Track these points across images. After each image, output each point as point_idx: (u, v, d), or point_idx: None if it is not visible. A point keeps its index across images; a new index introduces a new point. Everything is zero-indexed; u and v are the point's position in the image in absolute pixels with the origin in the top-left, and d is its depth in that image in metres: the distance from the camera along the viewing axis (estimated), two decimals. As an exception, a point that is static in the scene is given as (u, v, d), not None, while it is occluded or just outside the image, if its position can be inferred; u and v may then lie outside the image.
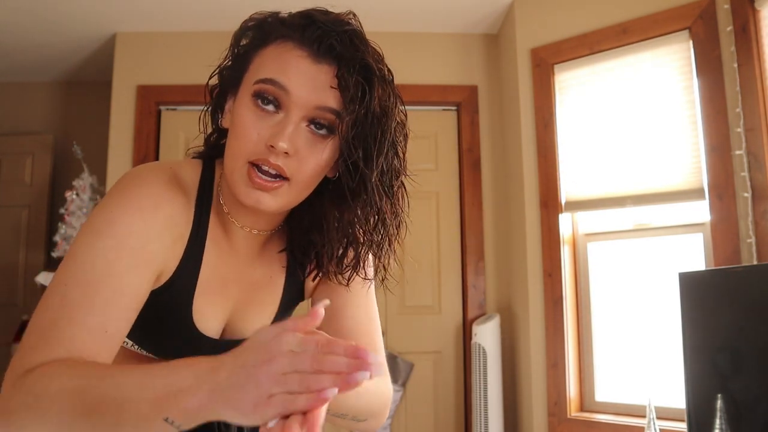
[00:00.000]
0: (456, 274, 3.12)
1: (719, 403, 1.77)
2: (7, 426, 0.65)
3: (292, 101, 0.78)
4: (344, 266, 0.90)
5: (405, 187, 0.88)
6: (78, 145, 3.20)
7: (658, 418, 2.04)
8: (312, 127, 0.80)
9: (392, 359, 3.02)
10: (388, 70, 0.86)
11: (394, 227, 0.88)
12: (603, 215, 2.64)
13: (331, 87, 0.79)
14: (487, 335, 2.83)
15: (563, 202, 2.67)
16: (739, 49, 2.19)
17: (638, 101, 2.49)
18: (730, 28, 2.23)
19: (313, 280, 0.97)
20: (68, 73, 3.64)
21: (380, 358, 0.59)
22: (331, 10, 0.87)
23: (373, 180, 0.81)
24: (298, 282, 0.97)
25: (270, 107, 0.79)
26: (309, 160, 0.79)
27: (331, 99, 0.79)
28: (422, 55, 3.20)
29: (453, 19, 3.09)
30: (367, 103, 0.79)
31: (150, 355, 0.91)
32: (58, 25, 3.08)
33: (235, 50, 0.89)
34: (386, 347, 3.02)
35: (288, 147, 0.77)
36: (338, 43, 0.80)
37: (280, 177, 0.79)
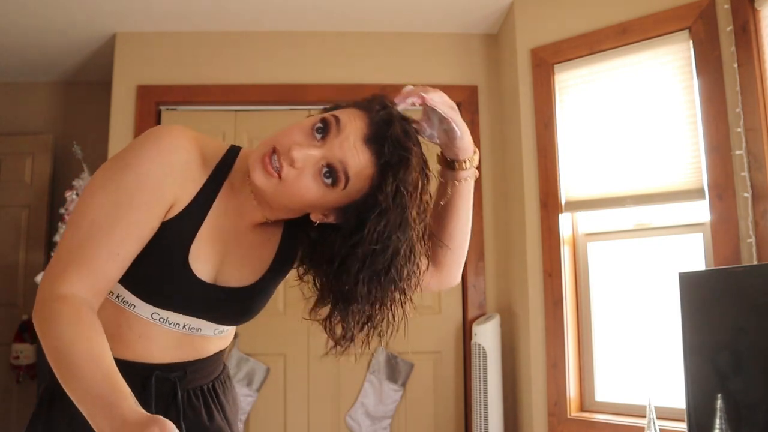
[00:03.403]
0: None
1: (719, 403, 1.77)
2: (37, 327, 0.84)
3: (331, 142, 0.90)
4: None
5: (402, 301, 0.97)
6: (78, 145, 3.20)
7: (658, 418, 2.04)
8: (324, 170, 0.90)
9: (392, 359, 3.03)
10: (418, 204, 0.94)
11: (380, 317, 0.98)
12: (603, 215, 2.64)
13: (360, 170, 0.90)
14: (487, 335, 2.83)
15: (563, 202, 2.67)
16: (739, 49, 2.19)
17: (638, 101, 2.49)
18: (730, 28, 2.23)
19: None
20: (68, 73, 3.64)
21: None
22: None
23: (357, 270, 0.92)
24: (289, 255, 1.08)
25: (318, 136, 0.90)
26: (299, 184, 0.90)
27: (354, 167, 0.90)
28: (422, 55, 3.20)
29: (453, 19, 3.09)
30: (375, 200, 0.91)
31: (137, 310, 0.97)
32: (58, 25, 3.08)
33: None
34: (386, 347, 3.03)
35: (295, 160, 0.89)
36: (393, 155, 0.90)
37: (278, 173, 0.90)
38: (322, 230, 0.99)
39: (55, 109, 3.74)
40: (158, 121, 3.18)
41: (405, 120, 0.94)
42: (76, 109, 3.71)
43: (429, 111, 0.98)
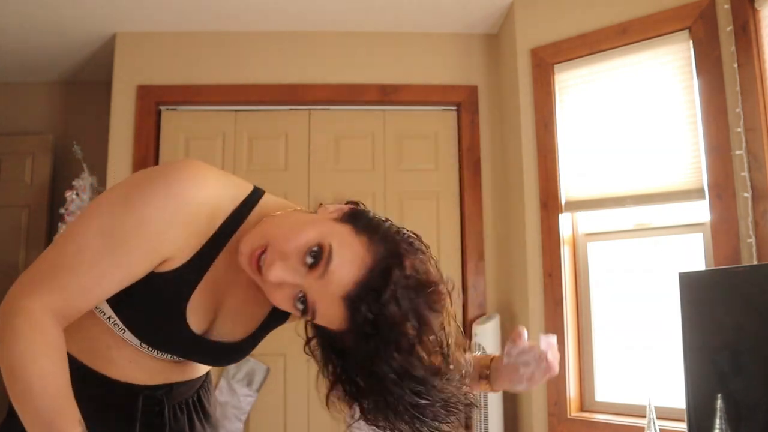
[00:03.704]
0: (456, 274, 3.11)
1: (719, 403, 1.77)
2: None
3: (313, 278, 0.82)
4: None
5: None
6: (78, 145, 3.20)
7: (658, 418, 2.04)
8: (300, 296, 0.84)
9: (392, 359, 3.02)
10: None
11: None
12: (603, 215, 2.64)
13: (329, 319, 0.84)
14: (487, 335, 2.83)
15: (563, 202, 2.67)
16: (739, 49, 2.19)
17: (638, 101, 2.49)
18: (730, 28, 2.23)
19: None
20: (68, 73, 3.64)
21: None
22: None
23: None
24: (283, 314, 1.04)
25: (308, 260, 0.83)
26: (275, 297, 0.87)
27: (322, 315, 0.84)
28: (422, 55, 3.20)
29: (453, 19, 3.09)
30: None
31: (126, 335, 0.95)
32: (58, 26, 3.08)
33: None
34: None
35: (271, 281, 0.84)
36: (373, 331, 0.81)
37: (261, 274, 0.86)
38: None
39: (55, 109, 3.74)
40: (158, 121, 3.18)
41: (407, 291, 0.81)
42: (76, 109, 3.71)
43: (537, 357, 1.00)
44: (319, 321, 0.86)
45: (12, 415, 0.97)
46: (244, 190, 0.95)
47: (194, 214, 0.87)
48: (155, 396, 1.00)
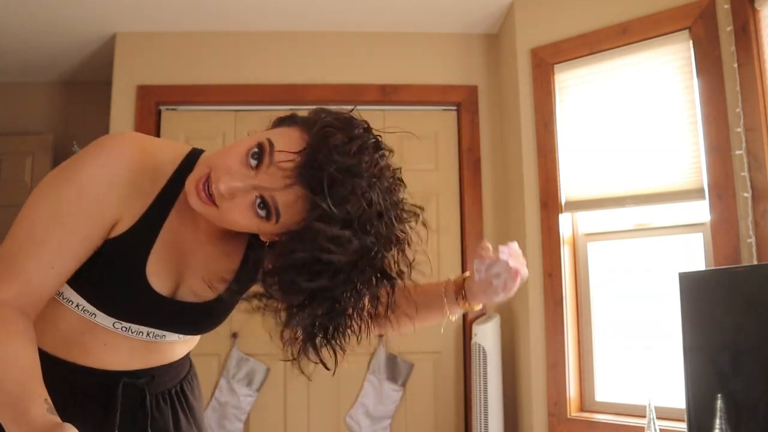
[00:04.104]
0: (456, 274, 3.11)
1: (719, 403, 1.77)
2: None
3: (263, 172, 0.83)
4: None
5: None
6: (78, 145, 3.20)
7: (658, 418, 2.04)
8: (258, 201, 0.84)
9: (392, 359, 3.03)
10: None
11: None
12: (603, 215, 2.64)
13: (290, 203, 0.83)
14: (487, 335, 2.83)
15: (563, 202, 2.67)
16: (739, 49, 2.19)
17: (638, 101, 2.49)
18: (730, 28, 2.23)
19: None
20: (68, 73, 3.64)
21: None
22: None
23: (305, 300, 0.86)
24: (256, 266, 1.02)
25: (253, 162, 0.84)
26: (235, 214, 0.86)
27: (283, 201, 0.83)
28: (422, 55, 3.20)
29: (453, 19, 3.09)
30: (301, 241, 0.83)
31: (98, 319, 0.94)
32: (58, 26, 3.08)
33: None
34: (386, 347, 3.03)
35: (222, 193, 0.84)
36: (331, 195, 0.80)
37: (213, 201, 0.86)
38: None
39: (55, 109, 3.74)
40: (158, 121, 3.18)
41: (351, 141, 0.84)
42: (76, 109, 3.71)
43: (505, 266, 0.98)
44: (284, 216, 0.84)
45: None
46: (183, 150, 0.98)
47: (133, 175, 0.90)
48: (136, 385, 1.00)
